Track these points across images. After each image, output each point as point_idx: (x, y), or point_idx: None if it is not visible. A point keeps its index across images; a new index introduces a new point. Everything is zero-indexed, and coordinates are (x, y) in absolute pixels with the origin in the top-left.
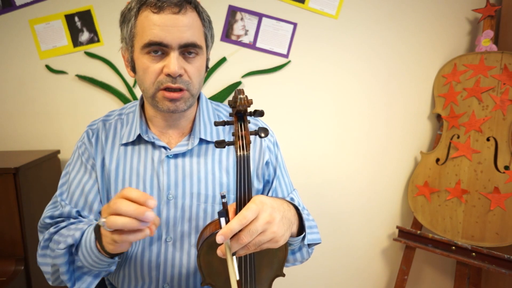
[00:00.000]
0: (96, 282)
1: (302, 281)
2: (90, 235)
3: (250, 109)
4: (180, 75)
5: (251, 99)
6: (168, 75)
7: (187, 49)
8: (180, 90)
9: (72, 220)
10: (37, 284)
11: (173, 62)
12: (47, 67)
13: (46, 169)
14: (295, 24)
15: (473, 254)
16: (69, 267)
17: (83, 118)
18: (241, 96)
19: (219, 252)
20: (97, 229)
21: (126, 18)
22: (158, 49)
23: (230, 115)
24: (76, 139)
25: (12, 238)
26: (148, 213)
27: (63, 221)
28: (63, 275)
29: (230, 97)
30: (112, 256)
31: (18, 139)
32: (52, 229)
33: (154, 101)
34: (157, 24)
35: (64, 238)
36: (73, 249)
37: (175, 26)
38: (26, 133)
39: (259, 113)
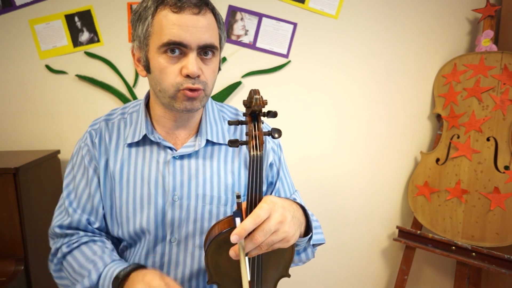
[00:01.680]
0: None
1: (302, 281)
2: (108, 285)
3: (264, 109)
4: (198, 76)
5: (266, 100)
6: (187, 76)
7: (204, 50)
8: (198, 89)
9: (82, 237)
10: (37, 284)
11: (192, 63)
12: (47, 67)
13: (46, 169)
14: (295, 24)
15: (473, 254)
16: None
17: (83, 118)
18: (256, 96)
19: (231, 253)
20: (116, 286)
21: (142, 17)
22: (176, 48)
23: (244, 114)
24: (76, 139)
25: (12, 238)
26: None
27: (73, 234)
28: None
29: (231, 97)
30: None
31: (18, 139)
32: (64, 248)
33: (172, 100)
34: (177, 24)
35: (79, 269)
36: None
37: (194, 27)
38: (26, 133)
39: (272, 114)
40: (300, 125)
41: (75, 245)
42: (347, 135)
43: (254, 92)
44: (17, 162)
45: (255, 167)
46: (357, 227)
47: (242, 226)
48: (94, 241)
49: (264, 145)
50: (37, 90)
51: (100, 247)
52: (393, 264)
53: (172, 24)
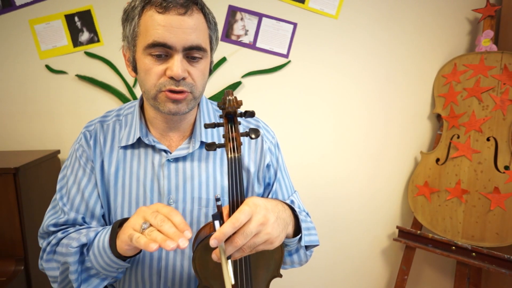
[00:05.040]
0: (102, 286)
1: (301, 281)
2: (104, 236)
3: (241, 110)
4: (183, 78)
5: (241, 100)
6: (171, 77)
7: (192, 53)
8: (183, 92)
9: (79, 227)
10: (37, 284)
11: (177, 64)
12: (47, 67)
13: (46, 169)
14: (295, 24)
15: (473, 254)
16: (78, 267)
17: (83, 118)
18: (229, 97)
19: (213, 256)
20: (114, 230)
21: (129, 17)
22: (162, 51)
23: (220, 116)
24: None
25: (12, 238)
26: (182, 242)
27: (68, 226)
28: (72, 275)
29: None
30: (123, 258)
31: (18, 139)
32: (60, 234)
33: (155, 102)
34: (162, 24)
35: (77, 236)
36: (84, 249)
37: (180, 28)
38: (26, 133)
39: (249, 114)
40: (300, 125)
41: (72, 230)
42: (347, 134)
43: (227, 94)
44: (17, 162)
45: (234, 169)
46: (357, 227)
47: (221, 230)
48: (90, 227)
49: (254, 146)
50: (37, 90)
51: (98, 228)
52: (393, 264)
53: (157, 24)
